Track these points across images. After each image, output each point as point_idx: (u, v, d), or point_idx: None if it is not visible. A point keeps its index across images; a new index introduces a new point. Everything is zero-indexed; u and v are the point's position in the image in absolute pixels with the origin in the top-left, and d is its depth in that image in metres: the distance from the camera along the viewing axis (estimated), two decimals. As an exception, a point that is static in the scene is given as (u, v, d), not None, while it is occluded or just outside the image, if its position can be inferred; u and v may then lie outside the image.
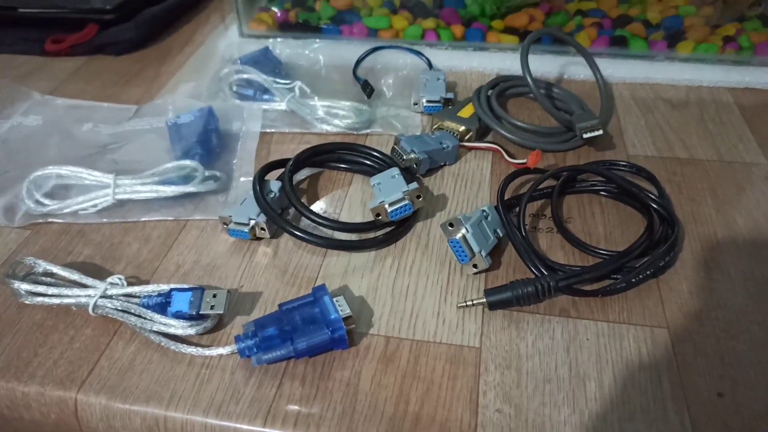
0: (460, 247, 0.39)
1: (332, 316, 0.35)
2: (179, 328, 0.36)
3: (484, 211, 0.41)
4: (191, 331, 0.36)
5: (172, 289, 0.37)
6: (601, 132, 0.48)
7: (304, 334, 0.34)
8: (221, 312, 0.36)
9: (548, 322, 0.37)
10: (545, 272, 0.38)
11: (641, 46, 0.61)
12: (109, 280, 0.38)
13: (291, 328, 0.35)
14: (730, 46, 0.60)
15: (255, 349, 0.34)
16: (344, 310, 0.35)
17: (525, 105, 0.57)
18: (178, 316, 0.36)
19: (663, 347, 0.35)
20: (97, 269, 0.41)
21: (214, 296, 0.37)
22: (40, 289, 0.38)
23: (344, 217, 0.45)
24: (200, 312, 0.36)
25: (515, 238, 0.40)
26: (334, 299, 0.36)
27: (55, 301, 0.38)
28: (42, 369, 0.35)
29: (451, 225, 0.39)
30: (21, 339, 0.37)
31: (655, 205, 0.41)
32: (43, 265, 0.39)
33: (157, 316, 0.36)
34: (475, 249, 0.38)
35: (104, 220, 0.45)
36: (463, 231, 0.38)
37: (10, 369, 0.36)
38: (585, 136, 0.48)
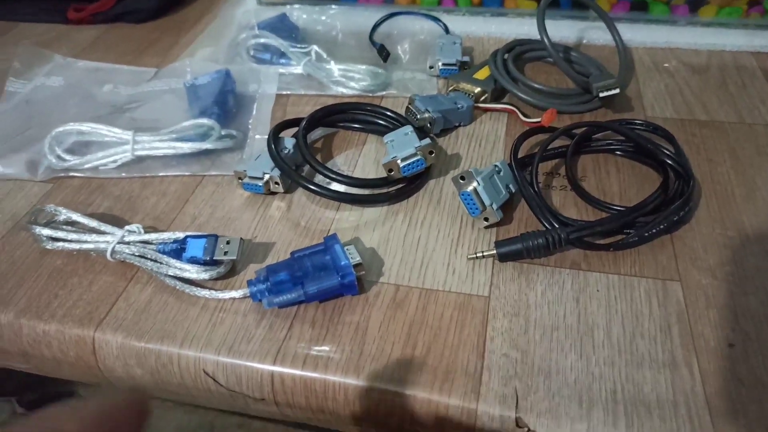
0: (471, 199, 0.39)
1: (342, 263, 0.35)
2: (194, 272, 0.36)
3: (496, 166, 0.41)
4: (205, 276, 0.36)
5: (186, 236, 0.38)
6: (618, 91, 0.47)
7: (315, 279, 0.35)
8: (234, 258, 0.37)
9: (558, 274, 0.37)
10: (557, 226, 0.38)
11: (662, 11, 0.60)
12: (127, 228, 0.39)
13: (302, 274, 0.35)
14: (754, 10, 0.58)
15: (266, 293, 0.35)
16: (354, 257, 0.36)
17: (541, 69, 0.57)
18: (192, 261, 0.37)
19: (674, 299, 0.35)
20: (115, 220, 0.42)
21: (228, 243, 0.37)
22: (61, 234, 0.39)
23: (357, 176, 0.45)
24: (214, 258, 0.37)
25: (527, 192, 0.40)
26: (345, 248, 0.36)
27: (75, 246, 0.39)
28: (62, 309, 0.37)
29: (462, 178, 0.39)
30: (42, 282, 0.38)
31: (670, 161, 0.41)
32: (64, 213, 0.40)
33: (172, 261, 0.37)
34: (486, 202, 0.38)
35: (123, 174, 0.46)
36: (474, 184, 0.38)
37: (31, 309, 0.37)
38: (601, 94, 0.47)
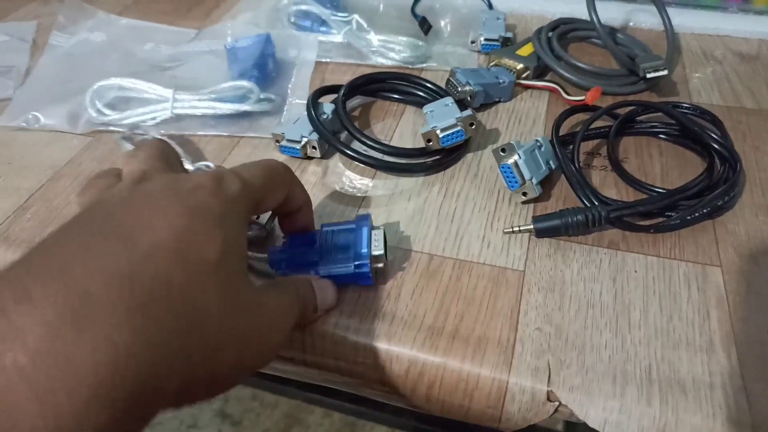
0: (511, 172, 0.38)
1: (362, 251, 0.33)
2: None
3: (537, 140, 0.40)
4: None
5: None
6: (666, 72, 0.46)
7: (330, 262, 0.33)
8: (263, 224, 0.37)
9: (596, 253, 0.36)
10: (596, 204, 0.38)
11: (714, -3, 0.58)
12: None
13: (321, 253, 0.34)
14: (811, 0, 0.57)
15: (283, 264, 0.34)
16: (378, 247, 0.33)
17: (585, 50, 0.56)
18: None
19: (714, 284, 0.34)
20: (152, 175, 0.43)
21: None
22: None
23: (395, 145, 0.45)
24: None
25: (568, 168, 0.39)
26: (374, 232, 0.34)
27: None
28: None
29: (503, 150, 0.38)
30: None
31: (716, 146, 0.40)
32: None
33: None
34: (526, 176, 0.38)
35: (162, 132, 0.46)
36: (515, 157, 0.38)
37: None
38: (648, 75, 0.46)
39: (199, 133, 0.46)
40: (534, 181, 0.38)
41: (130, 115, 0.47)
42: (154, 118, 0.47)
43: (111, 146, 0.46)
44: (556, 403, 0.30)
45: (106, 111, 0.47)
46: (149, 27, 0.58)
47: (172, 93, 0.46)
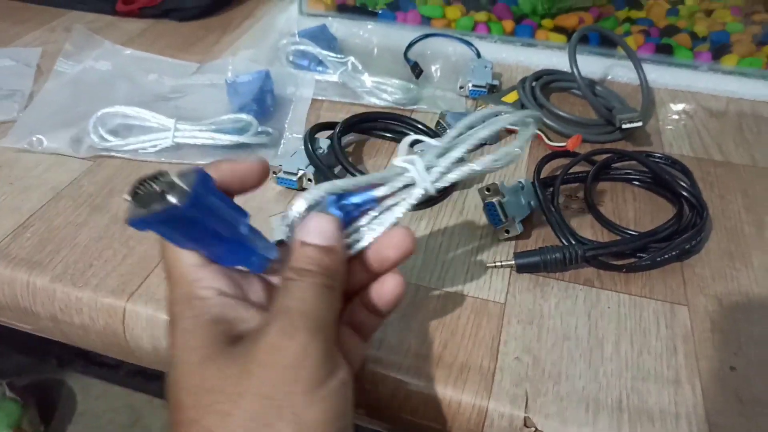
0: (495, 211, 0.40)
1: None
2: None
3: (520, 182, 0.43)
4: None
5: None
6: (640, 123, 0.49)
7: None
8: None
9: (572, 289, 0.39)
10: (574, 243, 0.40)
11: (686, 56, 0.62)
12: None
13: None
14: (775, 63, 0.61)
15: None
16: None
17: (566, 99, 0.59)
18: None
19: (681, 322, 0.37)
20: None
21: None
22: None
23: (385, 180, 0.47)
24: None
25: (548, 209, 0.42)
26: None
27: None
28: (96, 278, 0.38)
29: (488, 189, 0.41)
30: (79, 251, 0.40)
31: (686, 193, 0.43)
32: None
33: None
34: (509, 215, 0.40)
35: (162, 159, 0.48)
36: (499, 196, 0.40)
37: (66, 275, 0.38)
38: (624, 126, 0.49)
39: (199, 162, 0.48)
40: (516, 219, 0.41)
41: (132, 142, 0.49)
42: (155, 146, 0.49)
43: (111, 171, 0.47)
44: (533, 429, 0.32)
45: (109, 137, 0.49)
46: (153, 59, 0.60)
47: (174, 122, 0.48)
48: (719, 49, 0.63)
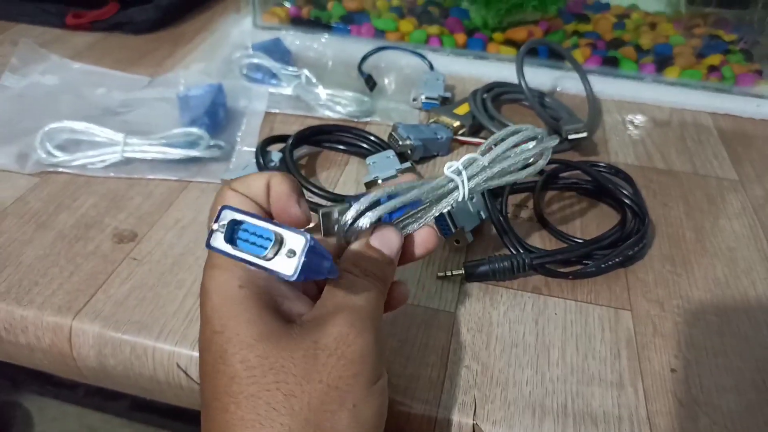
0: (445, 221, 0.41)
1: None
2: (175, 269, 0.38)
3: (469, 192, 0.44)
4: (186, 273, 0.38)
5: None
6: (585, 134, 0.51)
7: None
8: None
9: (520, 297, 0.40)
10: (521, 251, 0.41)
11: (631, 68, 0.65)
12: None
13: None
14: (714, 75, 0.64)
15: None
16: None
17: (517, 111, 0.60)
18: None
19: (624, 326, 0.38)
20: (100, 217, 0.44)
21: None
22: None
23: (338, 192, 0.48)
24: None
25: (497, 218, 0.43)
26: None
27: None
28: (41, 296, 0.38)
29: (437, 200, 0.41)
30: (24, 269, 0.39)
31: (628, 201, 0.44)
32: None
33: (155, 257, 0.38)
34: (459, 224, 0.41)
35: (111, 174, 0.47)
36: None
37: (11, 294, 0.38)
38: (570, 137, 0.51)
39: (149, 176, 0.48)
40: (466, 229, 0.41)
41: (80, 157, 0.48)
42: (104, 161, 0.48)
43: (58, 187, 0.46)
44: (481, 436, 0.32)
45: (56, 152, 0.48)
46: (102, 72, 0.59)
47: (123, 137, 0.48)
48: (662, 61, 0.65)
